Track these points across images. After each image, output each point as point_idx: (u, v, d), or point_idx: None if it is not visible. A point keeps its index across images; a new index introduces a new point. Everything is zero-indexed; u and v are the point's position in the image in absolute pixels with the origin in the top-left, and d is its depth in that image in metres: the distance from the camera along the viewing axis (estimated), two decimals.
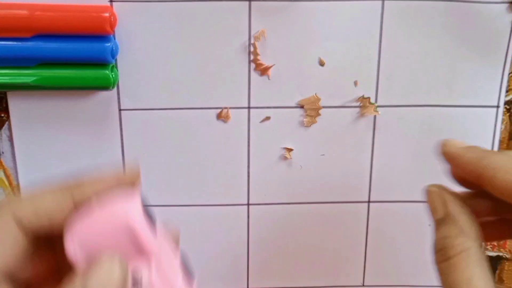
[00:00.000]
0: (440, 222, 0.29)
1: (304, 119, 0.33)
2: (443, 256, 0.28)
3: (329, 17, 0.31)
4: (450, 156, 0.28)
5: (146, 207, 0.22)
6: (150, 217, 0.22)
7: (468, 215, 0.28)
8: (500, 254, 0.36)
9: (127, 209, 0.21)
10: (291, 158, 0.34)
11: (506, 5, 0.31)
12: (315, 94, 0.33)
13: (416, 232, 0.36)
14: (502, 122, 0.34)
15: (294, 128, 0.33)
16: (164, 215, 0.35)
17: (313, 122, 0.33)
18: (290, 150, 0.34)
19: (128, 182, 0.26)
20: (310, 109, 0.33)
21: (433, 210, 0.29)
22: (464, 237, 0.27)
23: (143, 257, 0.22)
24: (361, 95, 0.33)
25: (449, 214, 0.29)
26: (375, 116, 0.33)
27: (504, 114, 0.34)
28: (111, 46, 0.30)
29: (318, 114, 0.33)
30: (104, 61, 0.30)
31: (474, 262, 0.27)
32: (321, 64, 0.32)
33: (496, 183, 0.26)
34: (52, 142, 0.33)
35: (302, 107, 0.33)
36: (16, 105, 0.32)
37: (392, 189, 0.35)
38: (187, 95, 0.32)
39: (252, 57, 0.32)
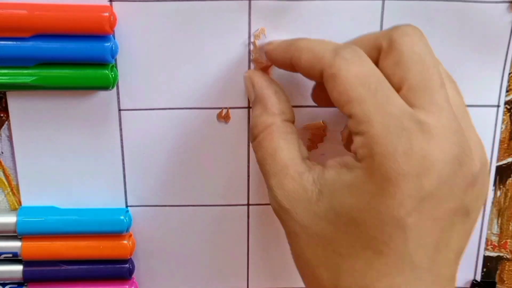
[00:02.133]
0: (252, 104, 0.30)
1: (307, 144, 0.33)
2: (252, 136, 0.29)
3: (329, 17, 0.31)
4: (268, 55, 0.29)
5: None
6: None
7: (273, 92, 0.29)
8: (501, 254, 0.36)
9: None
10: None
11: (506, 5, 0.31)
12: (322, 121, 0.33)
13: None
14: (502, 122, 0.34)
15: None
16: (164, 215, 0.35)
17: (314, 148, 0.33)
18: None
19: None
20: (314, 135, 0.33)
21: (248, 94, 0.31)
22: (267, 115, 0.28)
23: None
24: None
25: (256, 95, 0.29)
26: None
27: (504, 113, 0.34)
28: (110, 46, 0.30)
29: (321, 141, 0.33)
30: (103, 61, 0.30)
31: (277, 136, 0.28)
32: None
33: (301, 64, 0.27)
34: (52, 142, 0.33)
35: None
36: (15, 105, 0.32)
37: None
38: (187, 95, 0.32)
39: (252, 56, 0.32)
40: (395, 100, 0.24)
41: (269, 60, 0.30)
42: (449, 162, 0.24)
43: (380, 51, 0.26)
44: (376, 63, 0.26)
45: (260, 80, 0.30)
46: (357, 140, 0.24)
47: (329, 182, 0.25)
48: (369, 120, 0.24)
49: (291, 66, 0.28)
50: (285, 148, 0.27)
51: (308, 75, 0.27)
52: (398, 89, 0.25)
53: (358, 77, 0.24)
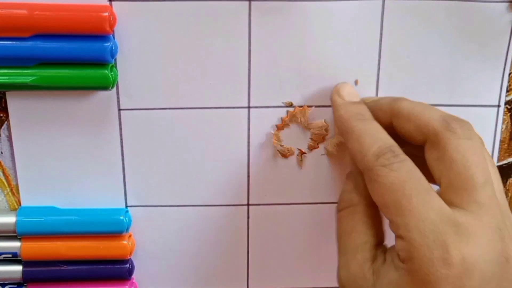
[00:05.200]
0: (346, 177, 0.31)
1: (308, 143, 0.33)
2: (337, 207, 0.30)
3: (329, 17, 0.31)
4: (333, 105, 0.31)
5: None
6: None
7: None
8: None
9: None
10: (291, 158, 0.34)
11: (506, 4, 0.31)
12: (324, 120, 0.33)
13: None
14: (502, 122, 0.34)
15: (294, 128, 0.33)
16: (164, 215, 0.35)
17: (315, 148, 0.33)
18: (290, 150, 0.34)
19: None
20: (316, 134, 0.33)
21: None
22: (355, 194, 0.29)
23: None
24: (361, 94, 0.33)
25: (350, 171, 0.31)
26: None
27: (505, 113, 0.34)
28: (110, 45, 0.30)
29: (323, 140, 0.33)
30: (103, 61, 0.30)
31: (358, 218, 0.29)
32: (322, 64, 0.32)
33: (349, 147, 0.29)
34: (51, 142, 0.33)
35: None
36: (15, 105, 0.32)
37: None
38: (187, 95, 0.32)
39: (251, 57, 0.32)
40: (432, 203, 0.25)
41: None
42: (492, 260, 0.24)
43: (426, 138, 0.27)
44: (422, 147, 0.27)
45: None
46: (398, 242, 0.25)
47: (382, 277, 0.26)
48: (406, 226, 0.25)
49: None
50: (362, 232, 0.28)
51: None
52: (440, 183, 0.26)
53: (394, 183, 0.25)
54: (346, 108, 0.30)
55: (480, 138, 0.27)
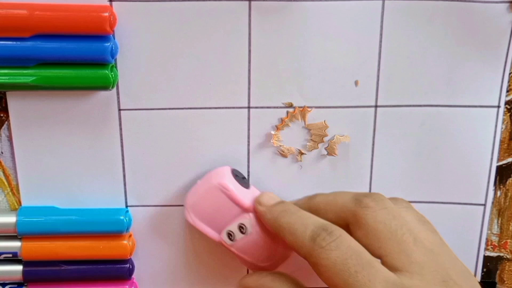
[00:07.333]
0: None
1: (308, 143, 0.33)
2: None
3: (329, 17, 0.31)
4: (259, 215, 0.31)
5: (236, 176, 0.32)
6: (243, 182, 0.32)
7: (286, 282, 0.30)
8: (501, 254, 0.36)
9: (219, 179, 0.31)
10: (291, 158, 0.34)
11: (506, 5, 0.31)
12: (324, 121, 0.33)
13: None
14: (502, 122, 0.34)
15: (294, 128, 0.33)
16: (164, 215, 0.35)
17: (315, 148, 0.33)
18: (290, 150, 0.34)
19: None
20: (316, 135, 0.33)
21: None
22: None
23: (243, 210, 0.32)
24: (361, 95, 0.33)
25: None
26: (375, 116, 0.33)
27: (504, 114, 0.34)
28: (110, 46, 0.30)
29: (322, 141, 0.33)
30: (103, 61, 0.30)
31: None
32: (322, 64, 0.32)
33: (287, 243, 0.29)
34: (52, 142, 0.33)
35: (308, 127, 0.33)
36: (15, 105, 0.32)
37: (392, 189, 0.35)
38: (187, 95, 0.32)
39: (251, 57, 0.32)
40: (377, 275, 0.25)
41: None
42: None
43: (348, 221, 0.28)
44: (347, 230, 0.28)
45: (265, 277, 0.31)
46: None
47: None
48: None
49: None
50: None
51: (296, 251, 0.29)
52: (378, 256, 0.27)
53: (337, 263, 0.26)
54: (269, 211, 0.31)
55: (393, 205, 0.28)
